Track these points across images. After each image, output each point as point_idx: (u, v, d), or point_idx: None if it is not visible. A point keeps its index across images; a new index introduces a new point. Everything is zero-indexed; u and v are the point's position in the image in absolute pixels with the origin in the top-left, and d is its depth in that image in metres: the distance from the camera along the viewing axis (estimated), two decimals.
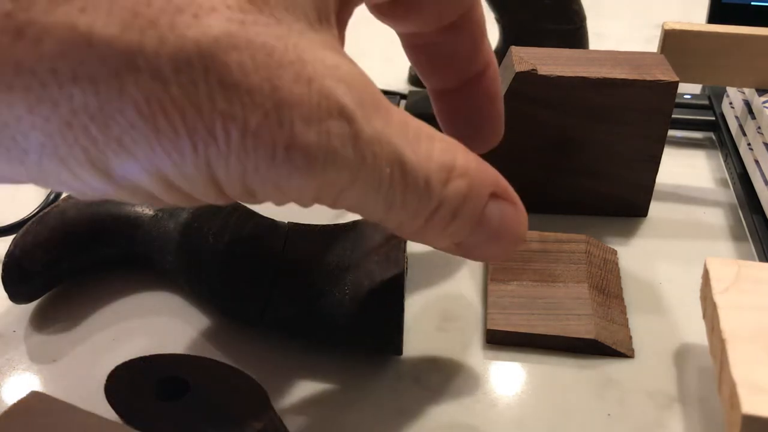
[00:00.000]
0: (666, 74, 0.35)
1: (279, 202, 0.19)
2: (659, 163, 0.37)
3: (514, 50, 0.37)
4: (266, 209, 0.35)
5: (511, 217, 0.23)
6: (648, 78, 0.35)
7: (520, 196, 0.39)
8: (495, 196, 0.22)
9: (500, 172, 0.38)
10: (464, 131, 0.28)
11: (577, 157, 0.37)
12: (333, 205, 0.20)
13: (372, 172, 0.19)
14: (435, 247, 0.23)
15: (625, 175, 0.38)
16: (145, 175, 0.17)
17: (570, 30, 0.49)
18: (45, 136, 0.16)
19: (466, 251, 0.23)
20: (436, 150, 0.20)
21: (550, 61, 0.36)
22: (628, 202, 0.39)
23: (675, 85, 0.35)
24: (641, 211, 0.39)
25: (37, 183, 0.18)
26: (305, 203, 0.19)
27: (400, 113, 0.20)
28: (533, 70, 0.35)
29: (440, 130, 0.46)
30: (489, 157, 0.37)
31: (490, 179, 0.22)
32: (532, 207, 0.39)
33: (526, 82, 0.35)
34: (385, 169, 0.19)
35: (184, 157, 0.17)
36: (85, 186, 0.18)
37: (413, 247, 0.37)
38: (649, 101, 0.35)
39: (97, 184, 0.17)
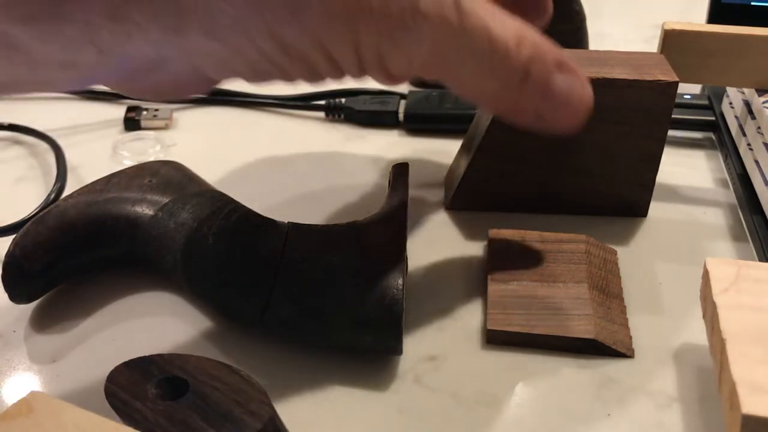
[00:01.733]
0: (666, 74, 0.35)
1: (400, 72, 0.24)
2: (659, 162, 0.37)
3: None
4: (266, 209, 0.35)
5: (577, 85, 0.27)
6: (648, 78, 0.35)
7: (521, 195, 0.39)
8: (560, 67, 0.26)
9: (501, 171, 0.38)
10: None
11: (577, 156, 0.37)
12: (440, 70, 0.25)
13: (471, 39, 0.24)
14: (520, 122, 0.28)
15: (625, 174, 0.38)
16: (309, 46, 0.22)
17: (570, 30, 0.49)
18: (236, 10, 0.21)
19: (545, 120, 0.28)
20: (508, 22, 0.25)
21: None
22: (628, 201, 0.39)
23: (675, 85, 0.35)
24: (641, 211, 0.39)
25: (219, 63, 0.23)
26: (423, 71, 0.25)
27: None
28: None
29: (437, 130, 0.47)
30: (491, 156, 0.37)
31: (554, 51, 0.26)
32: (532, 207, 0.39)
33: None
34: (479, 37, 0.24)
35: (339, 36, 0.22)
36: (262, 58, 0.22)
37: (413, 248, 0.37)
38: (649, 101, 0.35)
39: (274, 54, 0.22)
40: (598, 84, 0.35)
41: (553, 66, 0.26)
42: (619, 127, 0.36)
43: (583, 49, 0.39)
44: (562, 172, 0.38)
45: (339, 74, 0.25)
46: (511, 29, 0.25)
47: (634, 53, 0.38)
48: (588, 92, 0.28)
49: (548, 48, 0.26)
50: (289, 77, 0.24)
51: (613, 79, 0.35)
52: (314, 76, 0.24)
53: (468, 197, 0.39)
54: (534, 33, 0.26)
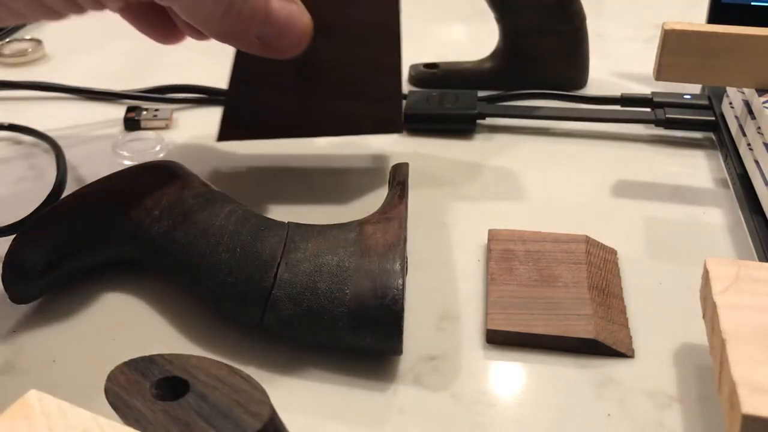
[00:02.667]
0: None
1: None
2: (400, 73, 0.39)
3: None
4: (266, 209, 0.35)
5: (295, 10, 0.32)
6: None
7: (282, 121, 0.40)
8: None
9: (259, 100, 0.40)
10: None
11: (323, 78, 0.38)
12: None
13: None
14: (247, 48, 0.32)
15: (370, 90, 0.39)
16: None
17: (570, 30, 0.49)
18: None
19: (267, 45, 0.32)
20: None
21: None
22: (380, 118, 0.40)
23: None
24: (396, 127, 0.40)
25: None
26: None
27: None
28: None
29: (437, 130, 0.47)
30: (245, 85, 0.39)
31: None
32: (297, 131, 0.40)
33: None
34: None
35: None
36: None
37: (414, 247, 0.37)
38: (373, 14, 0.37)
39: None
40: (321, 3, 0.36)
41: None
42: (354, 44, 0.37)
43: None
44: (314, 95, 0.39)
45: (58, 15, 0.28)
46: None
47: None
48: (306, 17, 0.32)
49: None
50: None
51: None
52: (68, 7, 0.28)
53: (235, 128, 0.40)
54: None
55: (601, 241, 0.36)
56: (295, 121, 0.40)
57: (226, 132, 0.40)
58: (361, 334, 0.29)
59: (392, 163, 0.37)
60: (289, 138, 0.40)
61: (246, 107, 0.39)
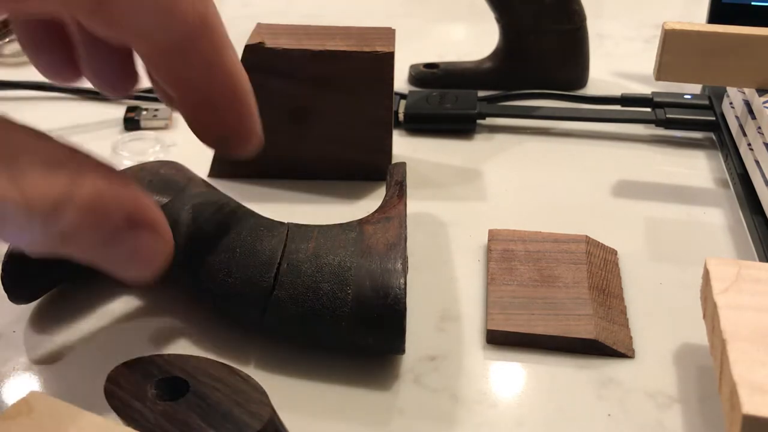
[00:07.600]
0: (385, 46, 0.38)
1: None
2: (391, 128, 0.40)
3: (258, 25, 0.40)
4: (266, 209, 0.35)
5: (147, 244, 0.23)
6: (367, 49, 0.37)
7: (273, 162, 0.41)
8: (131, 223, 0.22)
9: None
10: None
11: (316, 124, 0.40)
12: None
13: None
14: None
15: (362, 140, 0.40)
16: None
17: (570, 30, 0.49)
18: None
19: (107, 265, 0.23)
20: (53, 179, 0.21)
21: (283, 36, 0.38)
22: (370, 166, 0.41)
23: (391, 55, 0.37)
24: (383, 175, 0.41)
25: None
26: None
27: None
28: (261, 43, 0.37)
29: (437, 130, 0.46)
30: None
31: (121, 208, 0.22)
32: (285, 173, 0.41)
33: (255, 54, 0.37)
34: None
35: None
36: None
37: (414, 247, 0.37)
38: (369, 71, 0.38)
39: None
40: (319, 56, 0.37)
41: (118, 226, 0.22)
42: (347, 96, 0.38)
43: (326, 26, 0.41)
44: (306, 140, 0.40)
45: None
46: (57, 188, 0.21)
47: (368, 28, 0.40)
48: (161, 250, 0.24)
49: (113, 207, 0.22)
50: None
51: (333, 51, 0.37)
52: None
53: (225, 166, 0.42)
54: (93, 188, 0.21)
55: (601, 241, 0.36)
56: (285, 163, 0.41)
57: (217, 169, 0.42)
58: (364, 333, 0.29)
59: (392, 162, 0.37)
60: (279, 179, 0.42)
61: None
